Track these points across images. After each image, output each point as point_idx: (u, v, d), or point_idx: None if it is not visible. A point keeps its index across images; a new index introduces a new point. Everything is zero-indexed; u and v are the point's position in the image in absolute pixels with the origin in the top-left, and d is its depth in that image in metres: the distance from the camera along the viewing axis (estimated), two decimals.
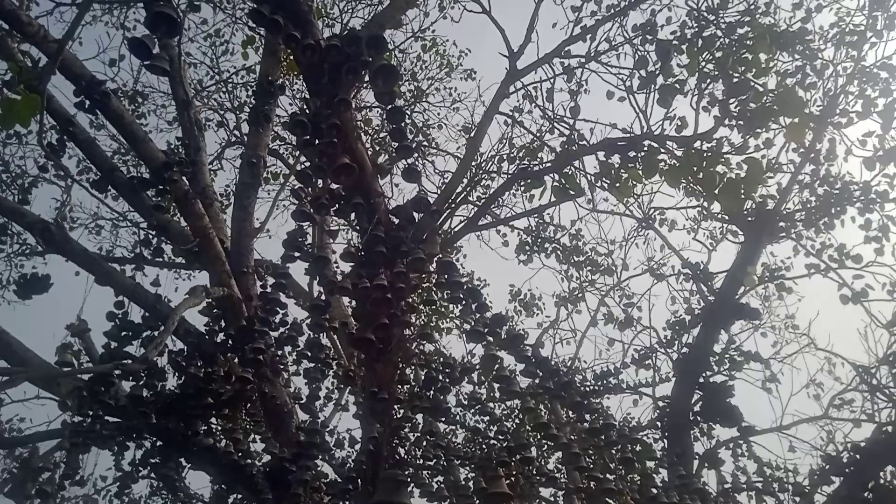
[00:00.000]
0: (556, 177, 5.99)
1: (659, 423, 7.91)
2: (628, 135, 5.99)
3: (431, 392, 4.19)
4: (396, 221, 4.09)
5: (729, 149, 6.29)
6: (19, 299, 6.09)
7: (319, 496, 5.52)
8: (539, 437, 4.23)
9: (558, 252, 10.78)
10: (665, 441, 7.77)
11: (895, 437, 6.70)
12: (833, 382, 10.46)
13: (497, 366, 3.85)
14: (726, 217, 8.89)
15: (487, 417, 4.29)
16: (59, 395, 5.63)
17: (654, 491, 4.03)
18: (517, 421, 7.05)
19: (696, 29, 6.90)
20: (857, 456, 6.83)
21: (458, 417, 7.53)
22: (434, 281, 4.08)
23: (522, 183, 8.11)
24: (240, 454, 5.91)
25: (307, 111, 3.59)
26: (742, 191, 3.92)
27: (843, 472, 6.90)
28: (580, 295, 11.49)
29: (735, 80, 4.35)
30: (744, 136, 4.80)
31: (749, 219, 8.36)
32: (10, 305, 9.86)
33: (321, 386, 5.73)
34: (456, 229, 8.41)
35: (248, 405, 5.85)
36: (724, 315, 7.92)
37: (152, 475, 6.45)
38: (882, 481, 6.81)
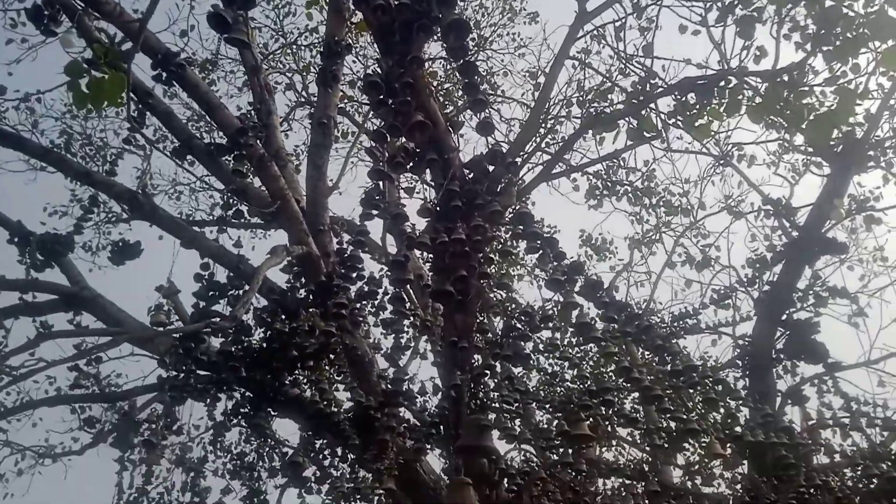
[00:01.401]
0: (631, 119, 5.84)
1: (740, 363, 7.80)
2: (706, 71, 5.76)
3: (511, 339, 4.24)
4: (471, 175, 4.10)
5: (815, 79, 5.97)
6: (113, 265, 6.42)
7: (403, 440, 5.74)
8: (620, 380, 4.25)
9: (630, 195, 10.57)
10: (747, 380, 7.67)
11: None
12: None
13: (577, 313, 3.87)
14: (810, 149, 8.50)
15: (566, 362, 4.34)
16: (156, 353, 5.97)
17: (738, 430, 4.01)
18: (595, 364, 7.08)
19: None
20: None
21: (534, 363, 7.65)
22: (511, 232, 4.10)
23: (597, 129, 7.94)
24: (325, 403, 6.17)
25: (379, 71, 3.61)
26: (832, 123, 3.73)
27: None
28: (655, 237, 11.29)
29: (822, 4, 4.09)
30: (831, 65, 4.54)
31: (835, 149, 7.98)
32: (101, 271, 10.37)
33: (401, 336, 5.91)
34: (529, 179, 8.35)
35: (331, 357, 6.06)
36: (808, 250, 7.66)
37: (243, 424, 6.84)
38: None
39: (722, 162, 9.46)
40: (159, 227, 6.56)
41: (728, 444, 4.41)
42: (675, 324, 7.45)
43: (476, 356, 4.58)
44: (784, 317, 7.76)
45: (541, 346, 5.94)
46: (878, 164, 8.33)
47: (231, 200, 6.83)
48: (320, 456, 6.94)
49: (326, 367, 6.39)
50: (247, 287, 5.65)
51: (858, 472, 6.61)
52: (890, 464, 6.38)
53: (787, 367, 7.77)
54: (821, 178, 8.50)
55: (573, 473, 4.87)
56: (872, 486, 6.84)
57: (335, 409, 6.54)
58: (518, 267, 10.93)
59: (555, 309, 4.15)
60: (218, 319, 5.74)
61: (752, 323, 8.08)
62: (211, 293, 5.91)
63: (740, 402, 4.51)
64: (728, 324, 8.52)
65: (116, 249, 6.34)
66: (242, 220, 8.84)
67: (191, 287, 5.92)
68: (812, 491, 5.49)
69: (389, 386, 4.51)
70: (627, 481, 5.21)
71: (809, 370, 8.12)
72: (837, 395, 7.75)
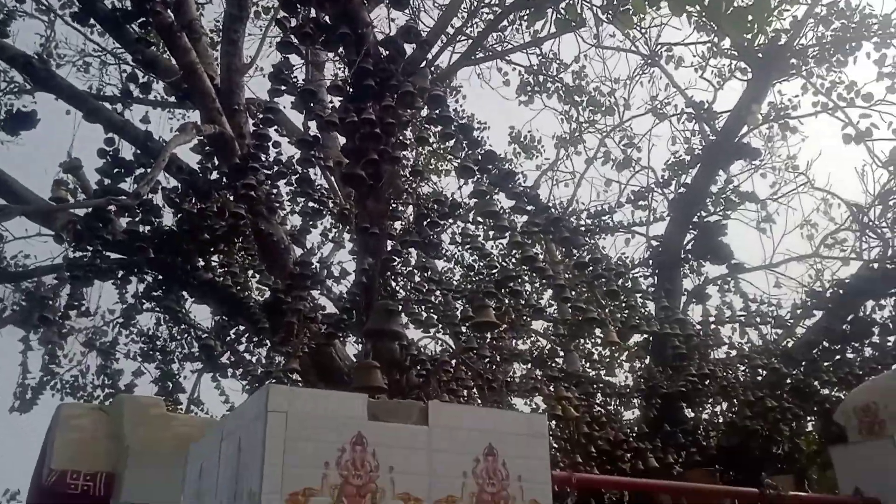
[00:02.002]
0: (558, 7, 5.67)
1: (650, 262, 8.08)
2: None
3: (421, 227, 4.22)
4: (386, 54, 3.93)
5: None
6: (7, 134, 6.01)
7: (318, 327, 5.77)
8: (528, 271, 4.33)
9: (560, 92, 10.48)
10: (655, 278, 7.98)
11: (879, 272, 6.85)
12: (827, 223, 10.54)
13: (487, 201, 3.86)
14: (736, 53, 8.55)
15: (477, 252, 4.37)
16: (55, 230, 5.71)
17: (637, 321, 4.18)
18: (511, 258, 7.20)
19: None
20: (841, 291, 7.04)
21: (455, 256, 7.73)
22: (425, 116, 3.99)
23: (524, 16, 7.72)
24: (238, 287, 6.10)
25: None
26: (750, 18, 3.70)
27: (825, 306, 7.14)
28: (580, 136, 11.33)
29: None
30: None
31: (759, 55, 8.04)
32: (3, 145, 9.74)
33: (316, 223, 5.83)
34: (451, 63, 8.10)
35: (243, 241, 5.94)
36: (724, 155, 7.84)
37: (156, 308, 6.73)
38: (861, 315, 7.06)
39: (650, 62, 9.44)
40: (59, 97, 6.13)
41: (627, 334, 4.60)
42: (592, 221, 7.60)
43: (388, 242, 4.56)
44: (695, 219, 8.01)
45: (458, 238, 5.98)
46: (799, 73, 8.48)
47: (139, 72, 6.43)
48: (235, 341, 6.96)
49: (239, 252, 6.28)
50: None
51: (750, 366, 7.09)
52: (777, 359, 6.87)
53: (693, 267, 8.10)
54: (744, 83, 8.61)
55: (482, 360, 5.02)
56: (760, 378, 7.37)
57: (248, 295, 6.51)
58: (446, 162, 10.85)
59: (466, 198, 4.13)
60: (123, 197, 5.50)
61: (665, 223, 8.33)
62: (116, 170, 5.61)
63: (640, 294, 4.68)
64: (643, 223, 8.77)
65: (10, 118, 5.92)
66: (155, 98, 8.39)
67: (97, 164, 5.62)
68: (700, 379, 5.86)
69: (297, 269, 4.46)
70: (530, 367, 5.45)
71: (714, 271, 8.52)
72: (738, 294, 8.20)
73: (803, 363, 7.03)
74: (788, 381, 7.26)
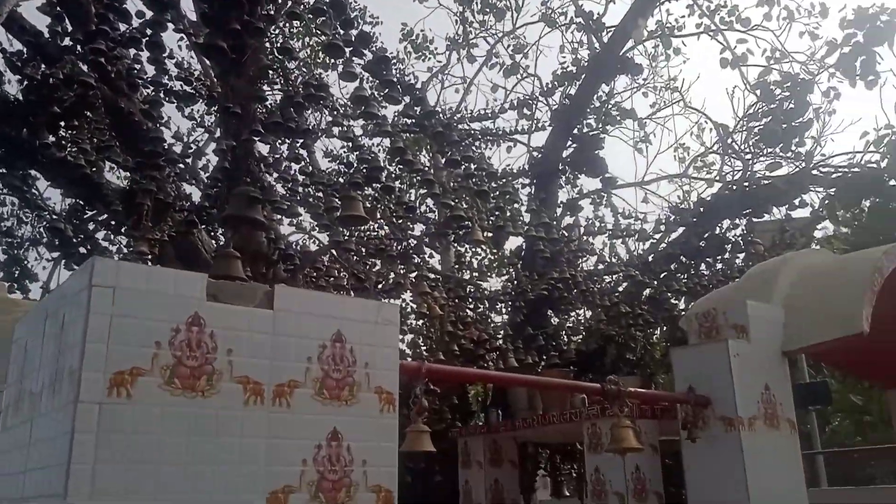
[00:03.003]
0: None
1: (529, 172, 8.17)
2: None
3: (289, 111, 4.00)
4: None
5: None
6: None
7: (183, 215, 5.46)
8: (398, 164, 4.22)
9: None
10: (533, 188, 8.09)
11: (738, 193, 7.25)
12: (699, 147, 11.03)
13: (359, 87, 3.68)
14: None
15: (350, 144, 4.20)
16: None
17: (504, 223, 4.20)
18: (379, 150, 7.04)
19: None
20: (701, 209, 7.42)
21: (336, 153, 7.48)
22: None
23: None
24: (93, 169, 5.65)
25: None
26: None
27: (688, 222, 7.52)
28: (472, 40, 11.11)
29: None
30: None
31: None
32: None
33: (187, 106, 5.41)
34: None
35: (97, 116, 5.46)
36: (607, 68, 7.90)
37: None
38: (717, 233, 7.50)
39: None
40: None
41: (496, 236, 4.65)
42: (475, 123, 7.53)
43: (253, 126, 4.30)
44: (575, 131, 8.12)
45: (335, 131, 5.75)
46: None
47: None
48: (92, 228, 6.51)
49: (92, 129, 5.77)
50: None
51: (611, 274, 7.44)
52: (637, 270, 7.23)
53: (569, 179, 8.27)
54: None
55: (347, 254, 4.93)
56: (620, 288, 7.76)
57: (104, 179, 6.05)
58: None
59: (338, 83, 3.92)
60: None
61: (547, 134, 8.41)
62: None
63: (513, 200, 4.71)
64: (525, 132, 8.81)
65: None
66: None
67: None
68: (563, 285, 6.07)
69: (148, 146, 4.13)
70: (399, 264, 5.43)
71: (590, 185, 8.75)
72: (609, 208, 8.50)
73: (662, 275, 7.45)
74: (646, 291, 7.71)
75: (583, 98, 8.11)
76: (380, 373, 2.67)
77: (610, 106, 8.18)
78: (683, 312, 6.69)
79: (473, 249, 7.65)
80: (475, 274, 7.81)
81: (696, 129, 10.88)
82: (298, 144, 4.36)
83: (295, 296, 2.57)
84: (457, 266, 7.40)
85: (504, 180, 5.59)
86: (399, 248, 5.05)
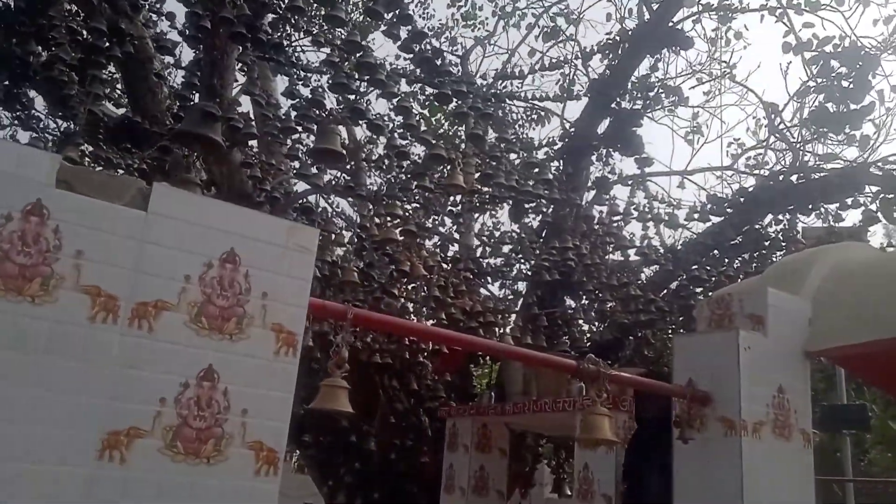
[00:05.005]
0: None
1: (559, 142, 7.57)
2: None
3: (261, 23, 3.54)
4: None
5: None
6: None
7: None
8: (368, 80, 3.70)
9: None
10: (561, 162, 7.49)
11: (782, 185, 6.53)
12: (753, 142, 10.20)
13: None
14: None
15: (332, 71, 3.74)
16: None
17: (493, 170, 3.67)
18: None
19: None
20: (742, 200, 6.73)
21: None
22: None
23: None
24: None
25: None
26: None
27: (723, 213, 6.84)
28: (523, 10, 10.48)
29: None
30: None
31: None
32: None
33: None
34: None
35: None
36: (655, 38, 7.22)
37: None
38: (758, 227, 6.80)
39: None
40: None
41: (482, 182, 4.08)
42: (500, 82, 6.96)
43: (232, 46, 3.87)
44: (613, 105, 7.47)
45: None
46: None
47: None
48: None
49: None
50: None
51: (639, 261, 6.83)
52: (660, 255, 6.61)
53: (601, 156, 7.64)
54: None
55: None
56: (643, 275, 7.15)
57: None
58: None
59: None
60: None
61: (582, 105, 7.78)
62: None
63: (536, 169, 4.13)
64: (561, 97, 8.14)
65: None
66: None
67: None
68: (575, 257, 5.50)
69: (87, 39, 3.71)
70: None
71: (623, 167, 8.11)
72: (642, 190, 7.85)
73: (693, 267, 6.82)
74: (673, 284, 7.07)
75: (624, 70, 7.46)
76: (281, 307, 2.18)
77: (654, 80, 7.50)
78: None
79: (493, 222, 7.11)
80: (488, 249, 7.29)
81: (752, 123, 10.03)
82: (268, 60, 3.89)
83: (179, 198, 2.09)
84: (478, 245, 6.89)
85: (526, 154, 5.03)
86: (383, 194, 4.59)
